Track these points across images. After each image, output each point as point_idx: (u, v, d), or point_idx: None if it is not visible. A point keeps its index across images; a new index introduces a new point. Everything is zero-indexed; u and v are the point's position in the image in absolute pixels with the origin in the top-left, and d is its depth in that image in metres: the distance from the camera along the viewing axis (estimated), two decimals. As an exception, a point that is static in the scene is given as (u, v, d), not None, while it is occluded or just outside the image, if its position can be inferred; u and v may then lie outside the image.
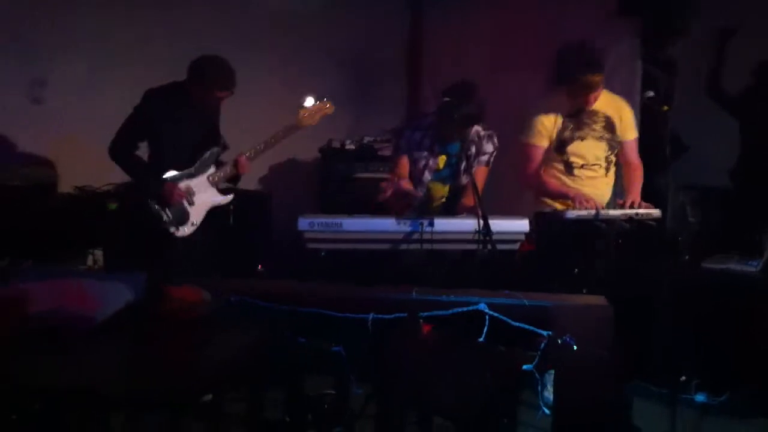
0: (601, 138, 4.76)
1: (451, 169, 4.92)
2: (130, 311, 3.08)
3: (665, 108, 4.43)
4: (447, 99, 4.63)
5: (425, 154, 4.88)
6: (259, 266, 5.72)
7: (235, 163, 4.92)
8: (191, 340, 3.03)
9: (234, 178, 5.02)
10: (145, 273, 3.29)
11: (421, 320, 3.31)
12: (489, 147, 4.89)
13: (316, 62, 6.61)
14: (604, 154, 4.79)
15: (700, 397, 4.48)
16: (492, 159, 4.93)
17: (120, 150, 4.75)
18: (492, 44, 6.49)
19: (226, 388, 3.41)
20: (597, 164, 4.79)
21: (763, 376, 4.45)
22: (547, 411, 3.43)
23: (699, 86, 5.96)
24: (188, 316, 3.16)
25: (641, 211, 4.43)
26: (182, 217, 4.80)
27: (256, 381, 3.30)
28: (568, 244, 4.55)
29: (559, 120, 4.74)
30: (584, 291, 4.42)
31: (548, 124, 4.74)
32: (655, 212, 4.44)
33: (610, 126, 4.78)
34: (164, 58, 5.60)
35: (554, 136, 4.74)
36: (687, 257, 4.34)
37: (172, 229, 4.76)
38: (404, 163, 4.93)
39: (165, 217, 4.74)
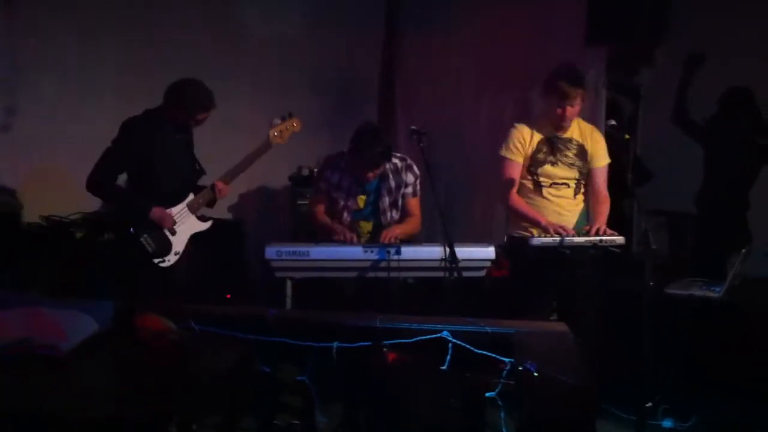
0: (572, 165, 4.78)
1: (372, 206, 4.98)
2: (95, 341, 3.08)
3: (627, 136, 4.49)
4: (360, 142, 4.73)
5: (344, 195, 4.93)
6: (227, 295, 5.71)
7: (213, 188, 4.91)
8: (158, 368, 3.02)
9: (211, 203, 5.00)
10: (110, 302, 3.30)
11: (385, 348, 3.33)
12: (410, 177, 4.95)
13: (292, 88, 6.63)
14: (574, 177, 4.82)
15: (667, 423, 4.50)
16: (419, 187, 4.99)
17: (100, 183, 4.71)
18: (462, 71, 6.56)
19: (195, 416, 3.42)
20: (565, 183, 4.80)
21: (730, 401, 4.49)
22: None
23: (665, 113, 6.04)
24: (154, 345, 3.16)
25: (605, 237, 4.47)
26: (165, 247, 4.78)
27: (224, 410, 3.29)
28: (534, 270, 4.59)
29: (536, 139, 4.77)
30: (551, 317, 4.49)
31: (524, 139, 4.75)
32: (619, 239, 4.48)
33: (582, 154, 4.81)
34: (139, 87, 5.61)
35: (529, 154, 4.77)
36: (651, 283, 4.37)
37: (157, 260, 4.74)
38: (321, 207, 5.00)
39: (150, 249, 4.72)
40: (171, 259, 4.80)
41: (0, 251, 5.12)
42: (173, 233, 4.81)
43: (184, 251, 4.85)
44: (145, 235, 4.72)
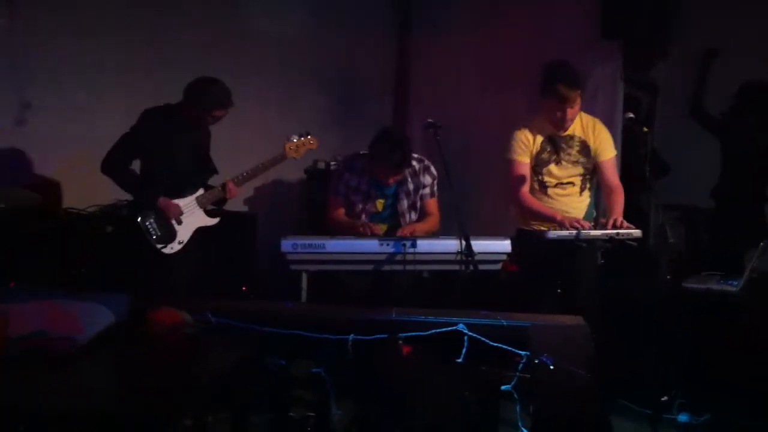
0: (576, 162, 4.80)
1: (391, 209, 5.00)
2: (112, 333, 3.09)
3: (645, 129, 4.47)
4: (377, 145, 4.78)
5: (362, 198, 4.95)
6: (243, 288, 5.72)
7: (223, 187, 5.01)
8: (174, 361, 3.03)
9: (220, 201, 5.11)
10: (126, 294, 3.31)
11: (401, 341, 3.33)
12: (427, 179, 4.99)
13: (303, 85, 6.65)
14: (579, 174, 4.82)
15: (682, 417, 4.48)
16: (436, 188, 5.03)
17: (114, 164, 4.85)
18: (476, 66, 6.54)
19: (210, 409, 3.43)
20: (570, 182, 4.82)
21: (745, 396, 4.47)
22: (526, 431, 3.44)
23: (682, 107, 6.01)
24: (171, 338, 3.17)
25: (622, 231, 4.43)
26: (170, 235, 4.88)
27: (239, 403, 3.30)
28: (549, 264, 4.58)
29: (539, 139, 4.78)
30: (566, 311, 4.47)
31: (527, 140, 4.77)
32: (636, 232, 4.45)
33: (585, 150, 4.81)
34: (141, 86, 5.64)
35: (533, 154, 4.78)
36: (668, 277, 4.35)
37: (159, 246, 4.84)
38: (340, 209, 5.02)
39: (154, 234, 4.83)
40: (174, 247, 4.91)
41: (20, 245, 5.16)
42: (179, 223, 4.92)
43: (188, 242, 4.95)
44: (151, 220, 4.84)
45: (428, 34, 6.72)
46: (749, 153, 5.77)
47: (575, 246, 4.45)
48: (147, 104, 4.92)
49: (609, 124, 5.11)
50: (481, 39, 6.47)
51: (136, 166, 4.97)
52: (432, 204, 5.02)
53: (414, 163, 4.94)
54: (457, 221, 4.26)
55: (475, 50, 6.53)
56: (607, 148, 4.84)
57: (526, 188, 4.78)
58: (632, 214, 4.72)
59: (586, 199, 4.88)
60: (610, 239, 4.43)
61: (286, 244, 4.52)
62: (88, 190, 5.27)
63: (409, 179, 4.94)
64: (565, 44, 5.80)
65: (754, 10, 5.79)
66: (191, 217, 4.96)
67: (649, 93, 6.29)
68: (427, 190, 4.99)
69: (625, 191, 4.82)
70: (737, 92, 5.80)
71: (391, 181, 4.84)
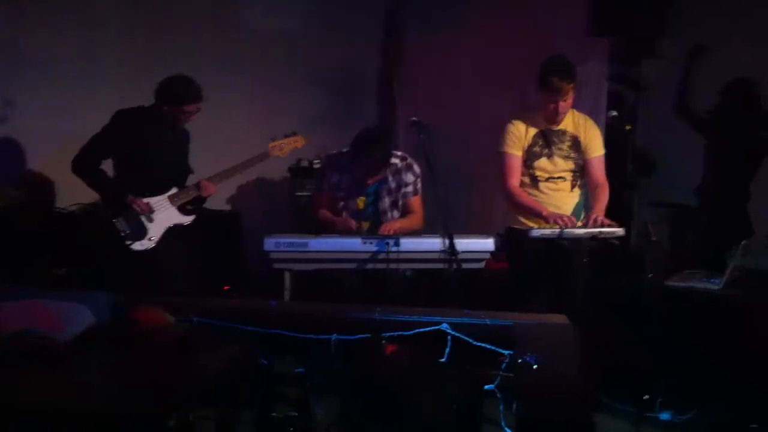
0: (567, 157, 4.81)
1: (373, 207, 4.99)
2: (93, 333, 3.07)
3: (628, 127, 4.48)
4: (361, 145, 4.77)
5: (343, 195, 4.95)
6: (225, 287, 5.71)
7: (198, 186, 4.98)
8: (157, 361, 3.02)
9: (198, 200, 5.07)
10: (107, 294, 3.29)
11: (384, 341, 3.33)
12: (410, 177, 4.97)
13: (293, 82, 6.63)
14: (570, 169, 4.83)
15: (664, 416, 4.49)
16: (419, 186, 5.01)
17: (84, 165, 4.83)
18: (465, 65, 6.55)
19: (193, 409, 3.41)
20: (561, 177, 4.83)
21: (727, 395, 4.48)
22: (509, 431, 3.44)
23: (668, 105, 6.03)
24: (153, 337, 3.15)
25: (605, 229, 4.45)
26: (140, 233, 4.85)
27: (223, 402, 3.28)
28: (533, 262, 4.59)
29: (531, 133, 4.80)
30: (551, 309, 4.48)
31: (519, 133, 4.79)
32: (619, 231, 4.47)
33: (576, 146, 4.84)
34: (138, 82, 5.58)
35: (525, 147, 4.79)
36: (651, 275, 4.36)
37: (128, 243, 4.81)
38: (324, 206, 5.02)
39: (122, 232, 4.81)
40: (145, 244, 4.87)
41: (4, 244, 5.14)
42: (150, 220, 4.88)
43: (162, 240, 4.90)
44: (120, 218, 4.81)
45: (418, 32, 6.71)
46: (733, 150, 5.78)
47: (559, 244, 4.46)
48: (143, 100, 4.91)
49: (592, 122, 5.12)
50: (470, 38, 6.47)
51: (107, 166, 4.94)
52: (415, 202, 5.00)
53: (396, 161, 4.93)
54: (442, 219, 4.26)
55: (464, 48, 6.53)
56: (596, 146, 4.87)
57: (516, 181, 4.80)
58: (617, 212, 4.74)
59: (576, 196, 4.89)
60: (593, 237, 4.44)
61: (269, 243, 4.51)
62: (72, 188, 5.22)
63: (390, 177, 4.92)
64: (553, 41, 5.80)
65: (742, 7, 5.81)
66: (163, 214, 4.92)
67: (633, 90, 6.31)
68: (409, 188, 4.97)
69: (609, 189, 4.83)
70: (723, 89, 5.82)
71: (370, 181, 4.83)
